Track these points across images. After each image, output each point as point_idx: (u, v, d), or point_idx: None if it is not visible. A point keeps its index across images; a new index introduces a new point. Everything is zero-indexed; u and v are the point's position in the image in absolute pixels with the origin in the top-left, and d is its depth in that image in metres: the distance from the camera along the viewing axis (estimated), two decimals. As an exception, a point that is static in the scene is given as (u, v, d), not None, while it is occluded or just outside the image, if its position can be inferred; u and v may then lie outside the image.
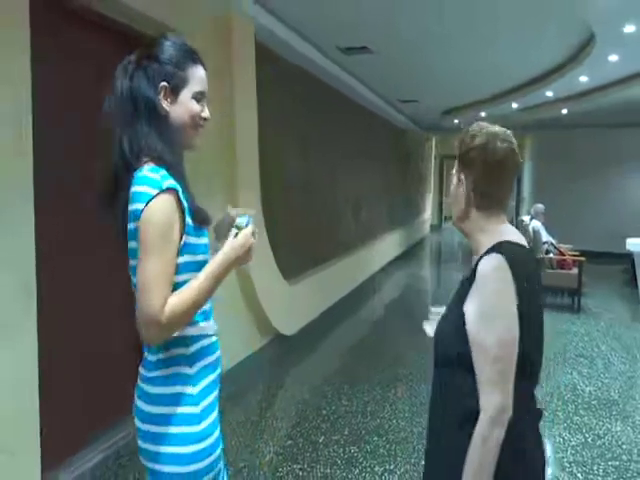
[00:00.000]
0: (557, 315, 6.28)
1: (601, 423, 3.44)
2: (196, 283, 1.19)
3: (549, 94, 7.82)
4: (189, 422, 1.21)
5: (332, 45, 5.15)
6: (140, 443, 1.26)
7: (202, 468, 1.22)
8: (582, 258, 6.53)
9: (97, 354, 2.80)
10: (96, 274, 2.76)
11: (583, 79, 6.61)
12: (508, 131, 1.31)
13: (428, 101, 8.95)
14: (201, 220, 1.24)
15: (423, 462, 1.41)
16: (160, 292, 1.12)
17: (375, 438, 3.22)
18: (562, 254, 6.74)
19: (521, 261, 1.19)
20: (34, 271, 2.21)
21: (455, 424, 1.20)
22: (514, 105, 8.89)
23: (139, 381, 1.28)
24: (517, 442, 1.16)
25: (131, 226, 1.18)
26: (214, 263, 1.23)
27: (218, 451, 1.28)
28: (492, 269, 1.17)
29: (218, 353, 1.34)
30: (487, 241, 1.25)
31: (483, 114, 9.82)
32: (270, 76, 4.65)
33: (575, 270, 6.47)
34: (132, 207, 1.16)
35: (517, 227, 8.31)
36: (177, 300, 1.15)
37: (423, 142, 14.06)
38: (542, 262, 6.53)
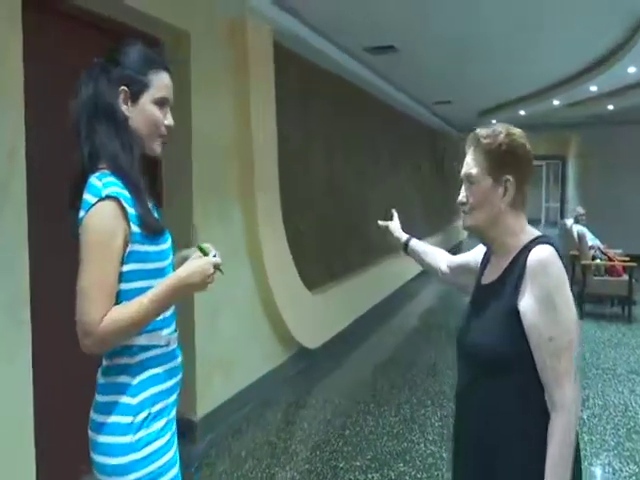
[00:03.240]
0: (606, 325, 5.82)
1: (658, 452, 3.07)
2: (142, 301, 1.15)
3: (593, 89, 7.32)
4: (123, 432, 1.18)
5: (358, 45, 4.93)
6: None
7: (141, 477, 1.18)
8: (633, 263, 6.03)
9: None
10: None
11: (631, 70, 6.13)
12: None
13: (462, 101, 8.57)
14: (149, 228, 1.20)
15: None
16: (98, 302, 1.11)
17: (400, 464, 2.95)
18: (611, 260, 6.25)
19: (560, 254, 1.19)
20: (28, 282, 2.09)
21: (529, 425, 1.17)
22: (555, 102, 8.40)
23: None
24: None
25: (78, 231, 1.17)
26: (164, 285, 1.18)
27: (168, 456, 1.24)
28: (549, 257, 1.15)
29: (173, 363, 1.29)
30: (516, 242, 1.23)
31: (522, 112, 9.36)
32: (293, 78, 4.48)
33: (625, 277, 5.98)
34: (79, 214, 1.17)
35: (559, 231, 7.85)
36: (116, 316, 1.12)
37: (460, 144, 13.61)
38: (588, 269, 6.08)
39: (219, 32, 3.31)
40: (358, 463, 2.99)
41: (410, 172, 8.98)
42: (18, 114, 2.07)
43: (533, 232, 1.25)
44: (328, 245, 5.34)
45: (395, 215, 1.91)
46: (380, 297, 6.58)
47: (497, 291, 1.23)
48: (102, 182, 1.15)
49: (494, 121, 10.15)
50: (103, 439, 1.19)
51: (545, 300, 1.13)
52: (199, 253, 1.28)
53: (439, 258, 1.70)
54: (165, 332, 1.27)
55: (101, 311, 1.10)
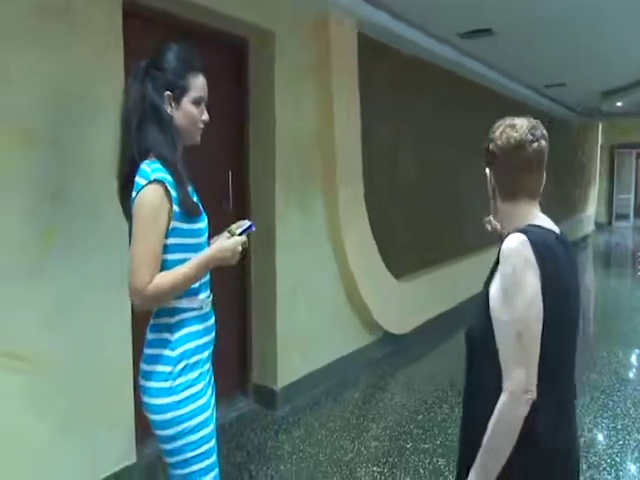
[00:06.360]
0: None
1: None
2: (182, 270, 1.40)
3: None
4: (164, 379, 1.42)
5: (449, 31, 4.81)
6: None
7: (179, 415, 1.42)
8: None
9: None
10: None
11: None
12: (534, 121, 1.37)
13: (579, 83, 7.80)
14: (188, 209, 1.42)
15: None
16: (146, 268, 1.34)
17: (468, 451, 2.95)
18: None
19: (546, 245, 1.20)
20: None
21: (487, 403, 1.19)
22: None
23: None
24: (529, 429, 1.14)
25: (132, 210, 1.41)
26: (201, 257, 1.43)
27: (201, 401, 1.46)
28: (513, 245, 1.19)
29: (207, 323, 1.53)
30: (510, 230, 1.28)
31: (653, 93, 8.36)
32: (381, 69, 4.53)
33: None
34: (132, 194, 1.40)
35: None
36: (160, 280, 1.36)
37: (580, 130, 12.43)
38: None
39: (302, 29, 3.47)
40: (426, 446, 3.04)
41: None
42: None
43: (532, 220, 1.28)
44: (419, 236, 5.33)
45: None
46: (475, 290, 6.37)
47: (487, 277, 1.31)
48: (151, 168, 1.38)
49: (619, 104, 9.24)
50: (150, 384, 1.44)
51: (502, 286, 1.19)
52: (227, 234, 1.53)
53: None
54: (201, 296, 1.50)
55: (149, 275, 1.34)
